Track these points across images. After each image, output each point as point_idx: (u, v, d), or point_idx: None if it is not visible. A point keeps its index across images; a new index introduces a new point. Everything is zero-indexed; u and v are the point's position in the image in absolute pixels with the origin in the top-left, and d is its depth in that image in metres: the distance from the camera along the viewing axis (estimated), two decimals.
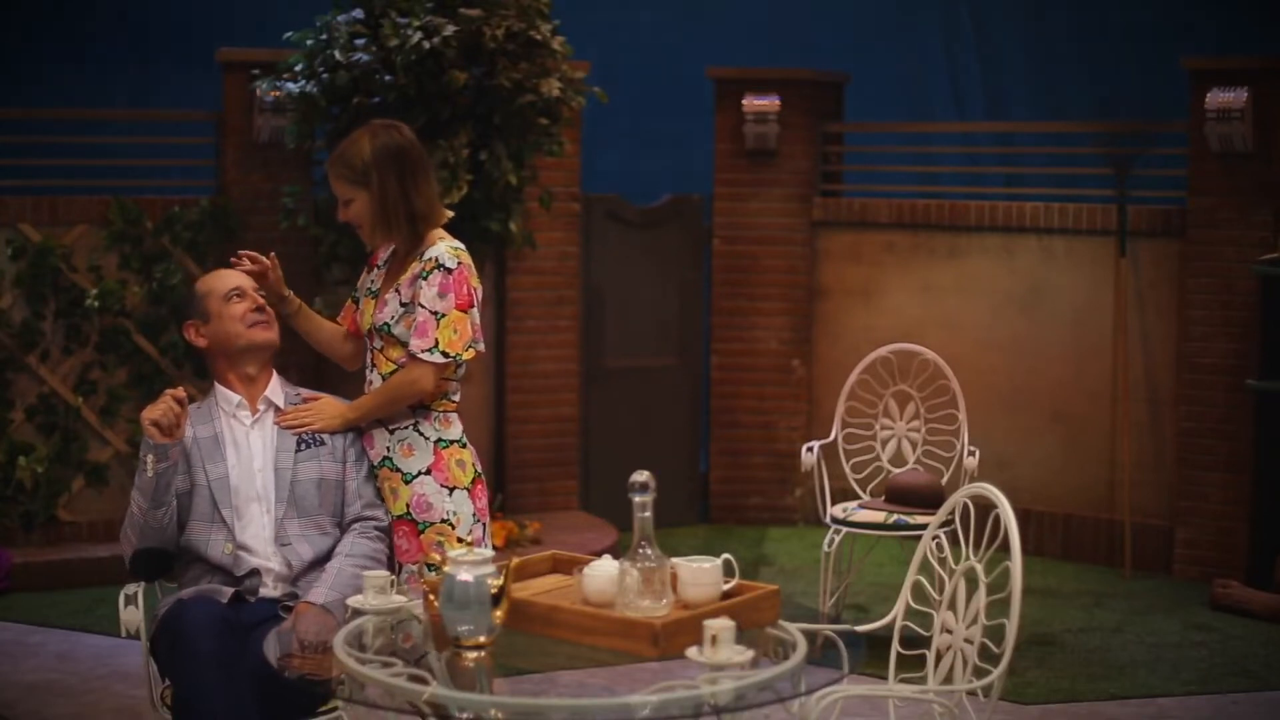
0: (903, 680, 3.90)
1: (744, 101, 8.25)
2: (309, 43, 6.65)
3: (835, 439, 6.43)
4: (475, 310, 4.23)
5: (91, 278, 7.18)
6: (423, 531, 4.20)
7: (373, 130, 4.25)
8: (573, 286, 7.99)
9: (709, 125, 8.45)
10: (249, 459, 4.18)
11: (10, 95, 7.99)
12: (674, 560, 3.43)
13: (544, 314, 7.92)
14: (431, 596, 3.38)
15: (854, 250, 8.28)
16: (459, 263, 4.19)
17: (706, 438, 8.54)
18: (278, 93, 6.97)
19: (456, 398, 4.31)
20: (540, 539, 7.30)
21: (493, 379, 7.88)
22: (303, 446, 4.21)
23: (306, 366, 6.85)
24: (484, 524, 4.28)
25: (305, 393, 4.36)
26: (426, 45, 6.37)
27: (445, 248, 4.21)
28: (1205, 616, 6.67)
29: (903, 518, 5.94)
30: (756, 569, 7.33)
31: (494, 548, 4.92)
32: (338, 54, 6.49)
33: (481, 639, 3.29)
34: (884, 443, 6.43)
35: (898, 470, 6.28)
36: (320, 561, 4.13)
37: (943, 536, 4.86)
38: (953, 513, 3.91)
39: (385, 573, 3.66)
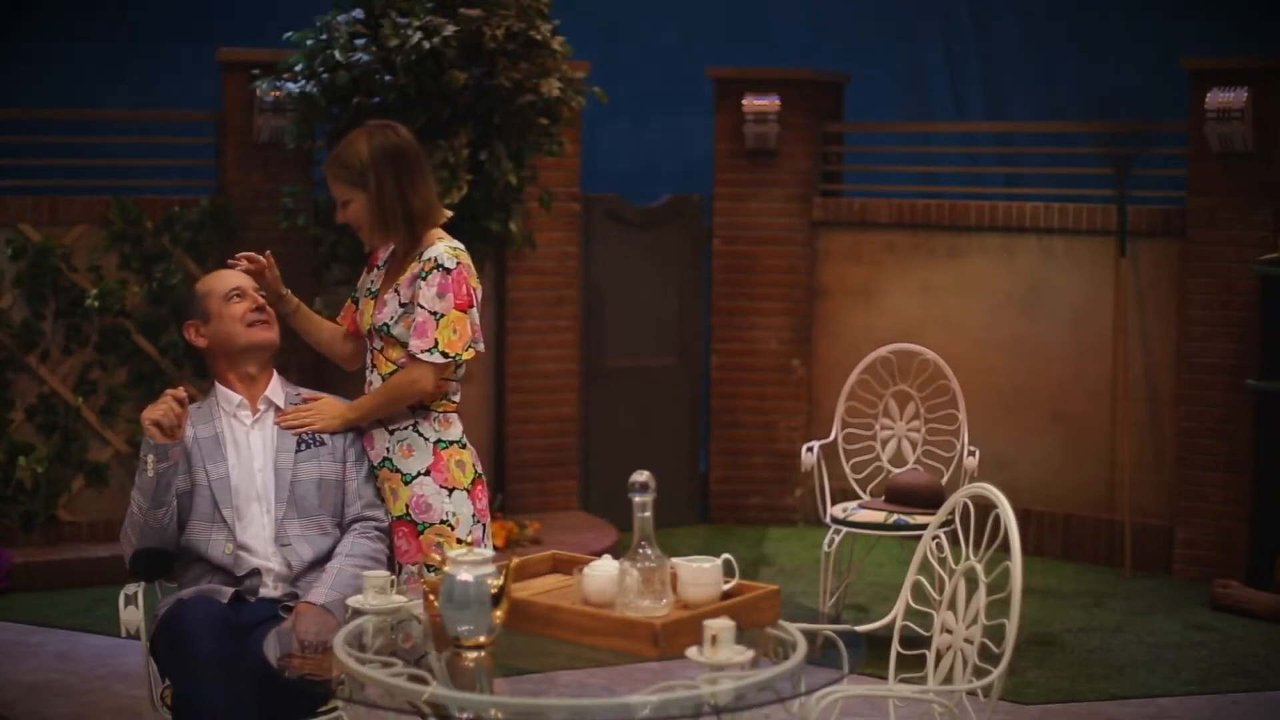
0: (903, 680, 3.89)
1: (744, 101, 8.25)
2: (309, 43, 6.65)
3: (835, 439, 6.42)
4: (475, 310, 4.22)
5: (91, 278, 7.18)
6: (422, 532, 4.20)
7: (369, 131, 4.24)
8: (573, 286, 7.99)
9: (709, 125, 8.45)
10: (249, 459, 4.18)
11: (10, 95, 7.98)
12: (674, 560, 3.43)
13: (544, 314, 7.92)
14: (431, 596, 3.37)
15: (854, 250, 8.28)
16: (458, 263, 4.18)
17: (706, 438, 8.54)
18: (278, 93, 6.97)
19: (457, 398, 4.31)
20: (540, 539, 7.30)
21: (493, 379, 7.88)
22: (303, 447, 4.21)
23: (306, 366, 6.85)
24: (484, 525, 4.28)
25: (305, 393, 4.36)
26: (426, 45, 6.37)
27: (444, 248, 4.20)
28: (1205, 616, 6.67)
29: (903, 518, 5.93)
30: (756, 569, 7.33)
31: (494, 548, 4.91)
32: (338, 54, 6.49)
33: (481, 639, 3.29)
34: (884, 443, 6.43)
35: (898, 470, 6.28)
36: (320, 562, 4.13)
37: (943, 536, 4.86)
38: (953, 513, 3.90)
39: (385, 573, 3.66)
